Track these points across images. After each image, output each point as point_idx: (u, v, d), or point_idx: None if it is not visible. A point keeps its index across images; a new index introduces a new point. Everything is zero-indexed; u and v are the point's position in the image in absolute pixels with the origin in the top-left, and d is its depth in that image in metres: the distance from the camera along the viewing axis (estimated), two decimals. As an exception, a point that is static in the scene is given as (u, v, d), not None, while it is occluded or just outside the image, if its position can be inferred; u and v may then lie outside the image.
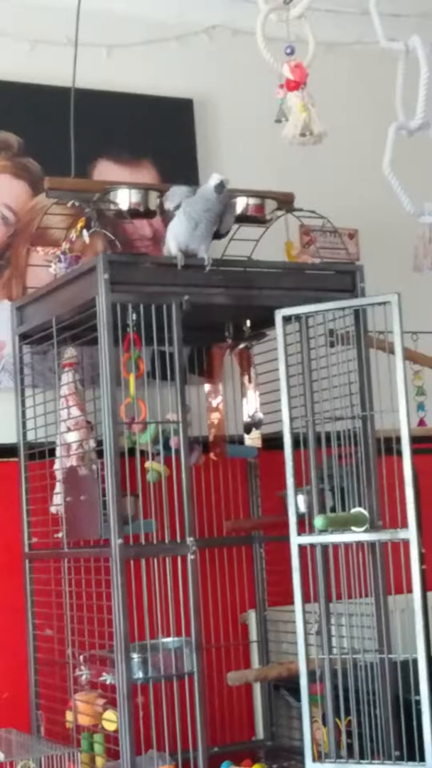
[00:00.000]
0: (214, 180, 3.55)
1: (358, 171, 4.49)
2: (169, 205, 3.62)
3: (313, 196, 3.99)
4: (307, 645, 3.50)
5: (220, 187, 3.53)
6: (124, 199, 3.77)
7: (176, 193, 3.63)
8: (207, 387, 4.13)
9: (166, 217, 3.65)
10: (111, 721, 3.45)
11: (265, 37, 3.26)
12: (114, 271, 3.44)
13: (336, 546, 3.56)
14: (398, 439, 3.40)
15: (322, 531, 3.48)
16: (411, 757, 3.44)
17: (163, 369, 3.53)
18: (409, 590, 3.37)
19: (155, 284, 3.53)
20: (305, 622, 3.50)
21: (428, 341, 4.45)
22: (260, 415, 4.06)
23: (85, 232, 3.75)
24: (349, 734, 3.55)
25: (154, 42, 4.47)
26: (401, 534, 3.41)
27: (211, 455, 4.07)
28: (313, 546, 3.56)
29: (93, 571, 3.57)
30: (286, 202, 3.98)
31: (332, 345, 3.65)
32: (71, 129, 3.92)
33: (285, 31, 3.33)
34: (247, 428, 4.10)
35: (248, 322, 4.02)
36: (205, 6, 4.55)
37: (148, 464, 3.54)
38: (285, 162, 4.14)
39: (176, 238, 3.57)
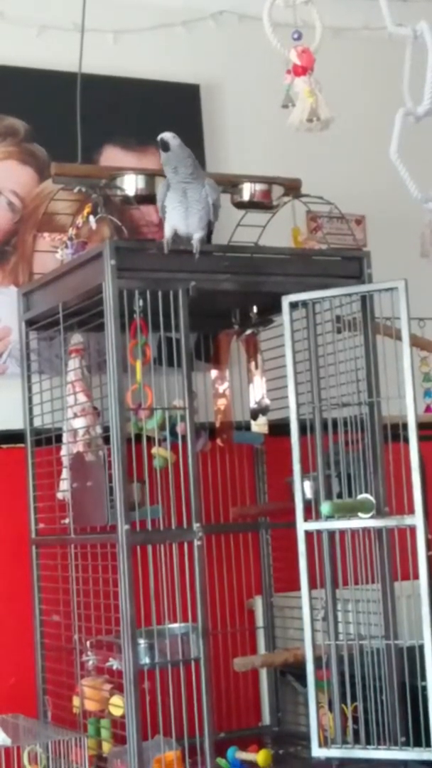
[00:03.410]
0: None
1: (366, 157, 4.48)
2: (160, 198, 3.61)
3: (320, 182, 3.98)
4: (313, 631, 3.50)
5: (162, 145, 3.50)
6: (131, 185, 3.77)
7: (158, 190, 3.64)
8: (214, 373, 4.13)
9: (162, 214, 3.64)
10: (118, 706, 3.46)
11: (272, 22, 3.25)
12: (121, 258, 3.44)
13: (342, 532, 3.56)
14: (405, 426, 3.40)
15: (329, 517, 3.48)
16: (417, 743, 3.45)
17: (170, 355, 3.53)
18: (416, 576, 3.38)
19: (162, 270, 3.52)
20: (311, 609, 3.50)
21: (435, 328, 4.45)
22: (267, 401, 4.05)
23: (91, 218, 3.75)
24: (356, 720, 3.56)
25: (160, 27, 4.46)
26: (408, 520, 3.41)
27: (218, 441, 4.07)
28: (319, 532, 3.56)
29: (100, 557, 3.58)
30: (293, 188, 3.97)
31: (339, 331, 3.65)
32: (78, 115, 3.92)
33: (292, 16, 3.33)
34: (254, 414, 4.10)
35: (255, 308, 4.01)
36: (212, -9, 4.55)
37: (154, 450, 3.54)
38: (292, 148, 4.13)
39: (170, 220, 3.56)
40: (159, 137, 3.51)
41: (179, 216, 3.54)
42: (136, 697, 3.32)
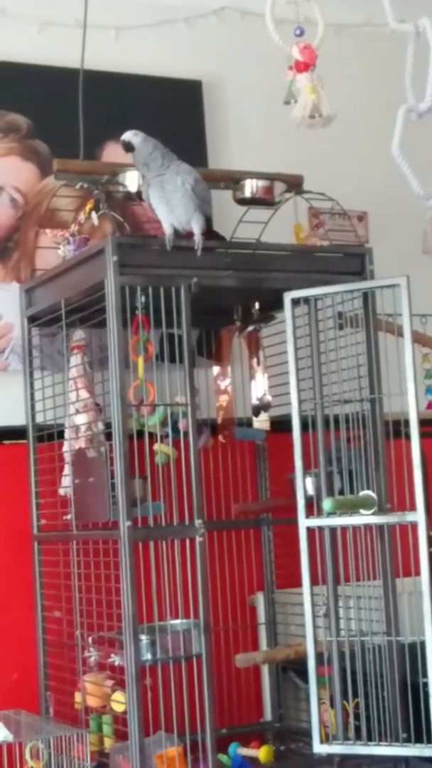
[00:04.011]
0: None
1: (368, 153, 4.47)
2: (143, 194, 3.61)
3: (322, 179, 3.98)
4: (314, 627, 3.51)
5: (126, 147, 3.51)
6: (133, 181, 3.77)
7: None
8: (215, 370, 4.13)
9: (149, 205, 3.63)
10: (119, 702, 3.46)
11: (274, 18, 3.25)
12: (122, 254, 3.44)
13: (344, 529, 3.57)
14: (406, 422, 3.40)
15: (330, 514, 3.48)
16: (418, 739, 3.45)
17: (172, 351, 3.53)
18: (417, 573, 3.38)
19: (164, 267, 3.52)
20: (313, 605, 3.51)
21: (437, 324, 4.46)
22: (269, 397, 4.05)
23: (93, 214, 3.75)
24: (357, 716, 3.56)
25: (162, 23, 4.46)
26: (409, 517, 3.41)
27: (220, 438, 4.07)
28: (321, 529, 3.57)
29: (101, 553, 3.58)
30: (295, 184, 3.97)
31: (341, 328, 3.65)
32: (80, 111, 3.92)
33: (294, 12, 3.32)
34: (256, 411, 4.10)
35: (257, 305, 4.01)
36: (214, -13, 4.55)
37: (156, 447, 3.55)
38: (294, 144, 4.12)
39: (161, 217, 3.56)
40: (121, 139, 3.51)
41: (165, 212, 3.54)
42: (137, 693, 3.32)
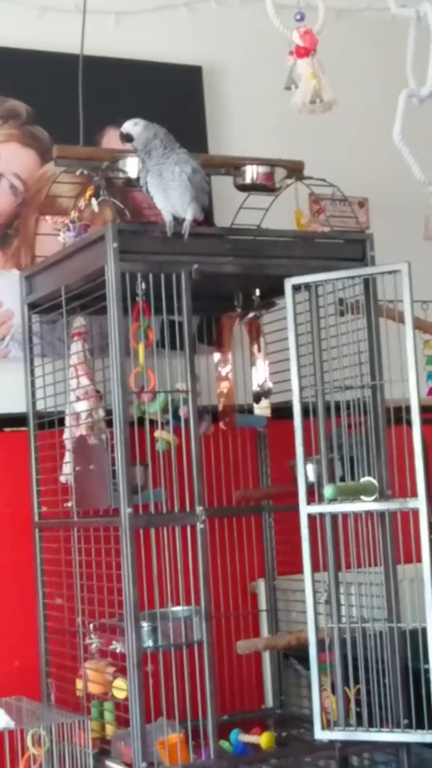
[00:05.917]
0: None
1: (369, 139, 4.47)
2: (141, 180, 3.60)
3: (323, 165, 3.97)
4: (316, 614, 3.51)
5: (126, 138, 3.51)
6: (133, 167, 3.76)
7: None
8: (216, 356, 4.13)
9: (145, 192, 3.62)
10: (121, 689, 3.47)
11: (275, 3, 3.24)
12: (123, 240, 3.43)
13: (345, 515, 3.56)
14: (408, 409, 3.39)
15: (332, 500, 3.48)
16: (420, 725, 3.45)
17: (173, 338, 3.53)
18: (419, 559, 3.38)
19: (164, 253, 3.51)
20: (314, 591, 3.51)
21: (438, 310, 4.44)
22: (269, 384, 4.05)
23: (93, 200, 3.74)
24: (358, 702, 3.57)
25: (162, 9, 4.44)
26: (410, 503, 3.41)
27: (221, 425, 4.07)
28: (322, 515, 3.56)
29: (102, 540, 3.58)
30: (295, 170, 3.96)
31: (342, 314, 3.64)
32: (80, 97, 3.91)
33: (295, -3, 3.31)
34: (257, 398, 4.09)
35: (257, 291, 4.01)
36: (215, -28, 4.53)
37: (157, 434, 3.54)
38: (295, 130, 4.11)
39: (159, 204, 3.55)
40: (120, 132, 3.50)
41: (162, 200, 3.53)
42: (139, 680, 3.32)
